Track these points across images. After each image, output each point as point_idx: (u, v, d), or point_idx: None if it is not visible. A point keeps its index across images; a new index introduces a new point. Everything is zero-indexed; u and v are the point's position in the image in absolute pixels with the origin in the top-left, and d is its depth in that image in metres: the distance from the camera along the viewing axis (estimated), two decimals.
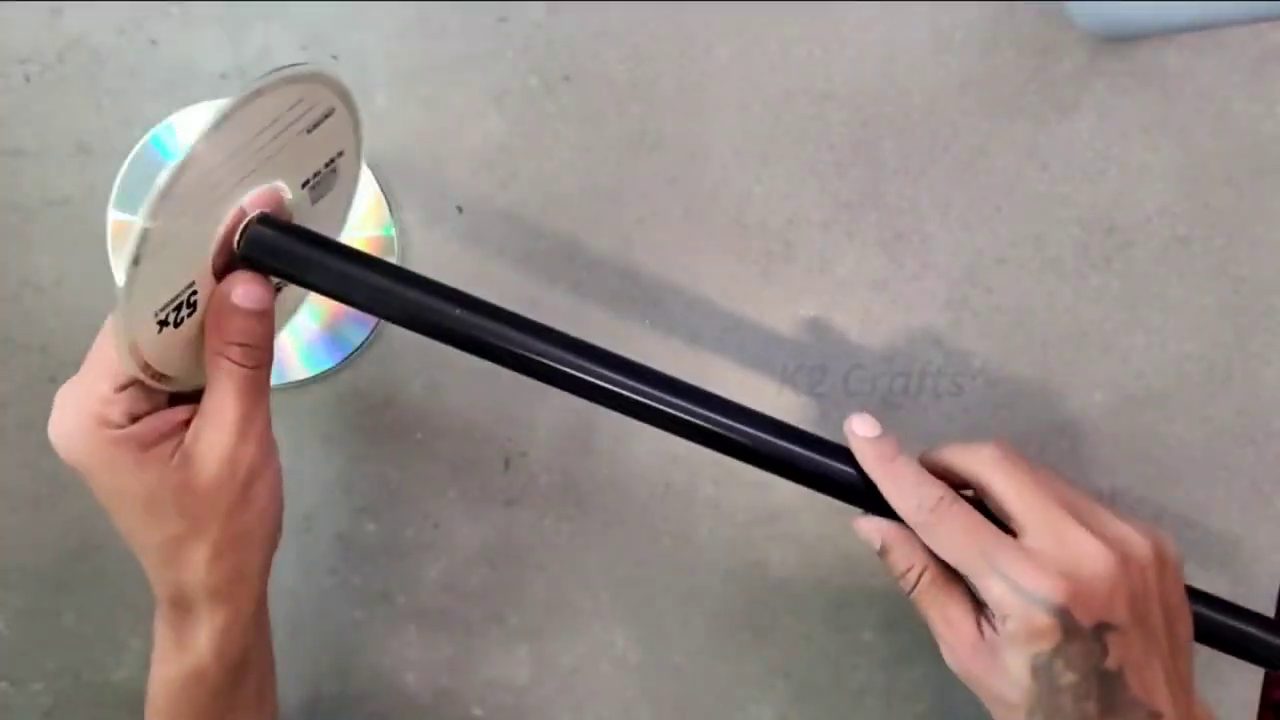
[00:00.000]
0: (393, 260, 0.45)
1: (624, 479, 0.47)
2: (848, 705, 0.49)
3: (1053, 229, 0.47)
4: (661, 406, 0.35)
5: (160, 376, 0.33)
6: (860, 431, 0.36)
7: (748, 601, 0.48)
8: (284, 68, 0.31)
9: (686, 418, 0.35)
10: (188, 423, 0.34)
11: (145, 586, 0.46)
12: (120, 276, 0.29)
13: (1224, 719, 0.50)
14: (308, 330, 0.45)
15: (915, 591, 0.36)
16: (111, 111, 0.43)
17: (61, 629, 0.47)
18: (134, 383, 0.33)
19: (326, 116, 0.35)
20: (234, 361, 0.33)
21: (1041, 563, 0.33)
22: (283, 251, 0.34)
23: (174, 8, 0.43)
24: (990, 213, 0.46)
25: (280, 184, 0.35)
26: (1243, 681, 0.50)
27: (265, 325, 0.34)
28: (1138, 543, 0.34)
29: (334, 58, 0.44)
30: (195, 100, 0.43)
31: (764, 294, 0.46)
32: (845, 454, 0.36)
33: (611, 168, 0.45)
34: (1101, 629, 0.33)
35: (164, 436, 0.33)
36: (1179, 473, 0.49)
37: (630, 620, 0.48)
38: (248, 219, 0.33)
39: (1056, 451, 0.48)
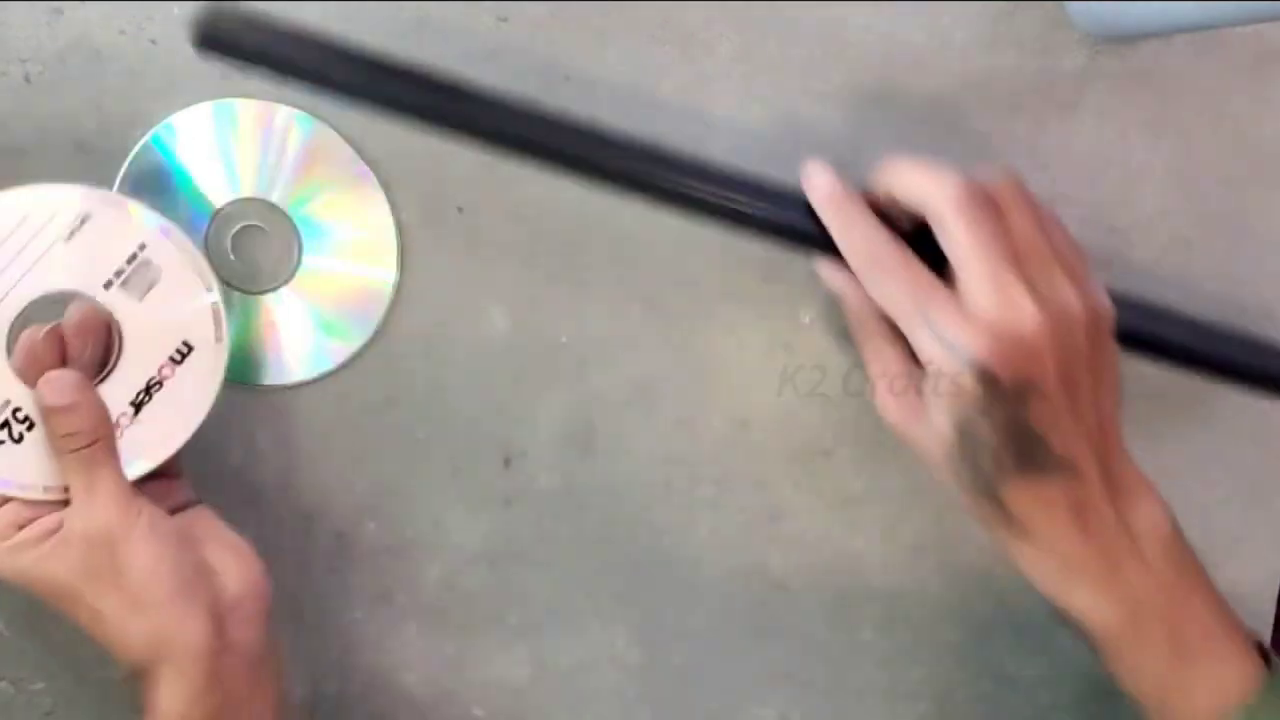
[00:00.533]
0: (392, 258, 0.45)
1: (624, 478, 0.47)
2: (849, 705, 0.49)
3: None
4: (611, 164, 0.36)
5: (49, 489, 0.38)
6: (815, 176, 0.37)
7: (748, 601, 0.48)
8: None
9: (636, 174, 0.36)
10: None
11: None
12: None
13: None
14: (307, 331, 0.45)
15: (859, 334, 0.37)
16: (111, 111, 0.43)
17: (63, 628, 0.47)
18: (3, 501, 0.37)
19: (83, 222, 0.38)
20: (61, 449, 0.37)
21: (972, 318, 0.33)
22: (250, 40, 0.36)
23: (174, 8, 0.43)
24: None
25: (79, 289, 0.38)
26: None
27: (81, 411, 0.37)
28: (1072, 304, 0.34)
29: None
30: (195, 100, 0.43)
31: (764, 294, 0.46)
32: (804, 205, 0.37)
33: None
34: (1025, 390, 0.33)
35: (45, 537, 0.36)
36: (1179, 472, 0.49)
37: (630, 620, 0.48)
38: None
39: None
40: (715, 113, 0.45)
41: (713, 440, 0.47)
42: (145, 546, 0.37)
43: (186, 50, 0.43)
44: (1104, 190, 0.46)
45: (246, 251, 0.45)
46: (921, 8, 0.45)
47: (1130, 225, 0.47)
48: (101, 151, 0.43)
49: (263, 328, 0.45)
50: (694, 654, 0.49)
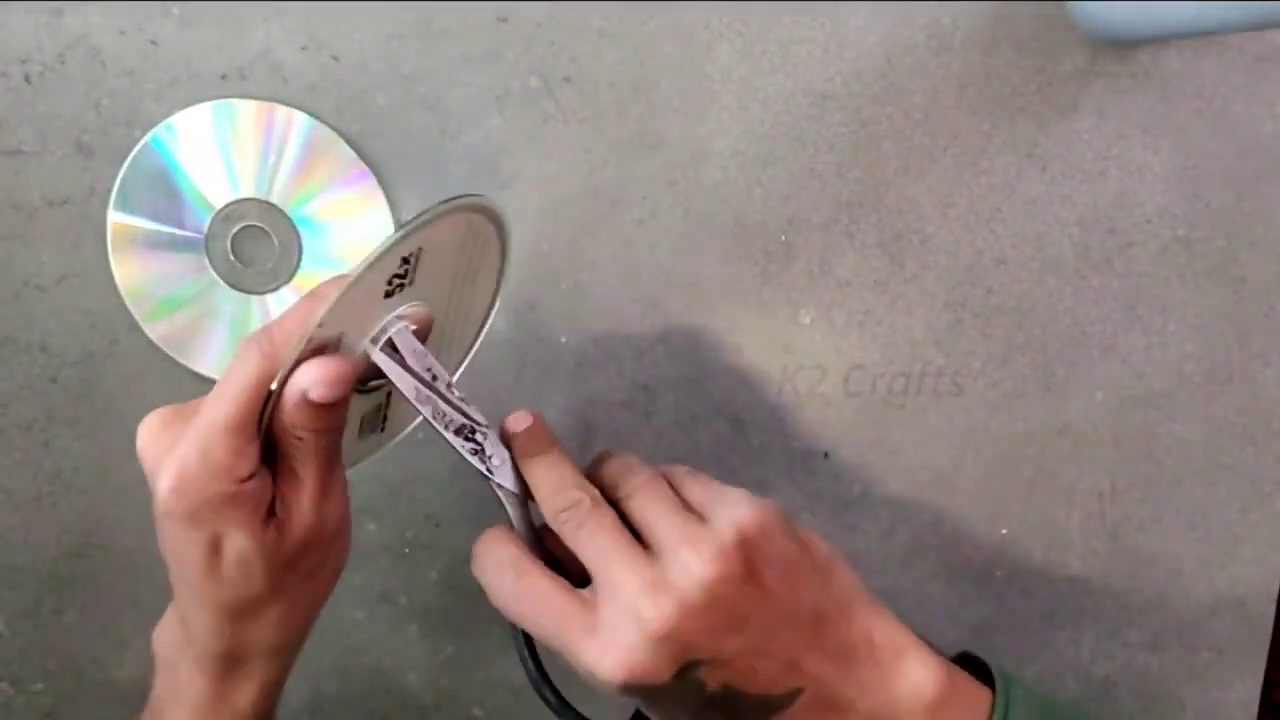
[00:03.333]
0: None
1: None
2: None
3: (1053, 229, 0.47)
4: None
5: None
6: (513, 426, 0.35)
7: None
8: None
9: None
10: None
11: (147, 584, 0.47)
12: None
13: (1224, 719, 0.50)
14: None
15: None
16: (111, 111, 0.43)
17: (63, 628, 0.47)
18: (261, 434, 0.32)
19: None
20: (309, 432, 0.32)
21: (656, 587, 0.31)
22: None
23: (174, 8, 0.43)
24: (990, 213, 0.46)
25: (420, 307, 0.35)
26: (1243, 681, 0.50)
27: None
28: (706, 559, 0.31)
29: (334, 58, 0.44)
30: (195, 100, 0.43)
31: (764, 294, 0.46)
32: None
33: (612, 169, 0.45)
34: (688, 668, 0.31)
35: (265, 500, 0.32)
36: (1179, 473, 0.49)
37: None
38: (386, 335, 0.33)
39: (1057, 452, 0.48)
40: (715, 114, 0.45)
41: (713, 440, 0.47)
42: (346, 549, 0.38)
43: (186, 50, 0.43)
44: (1104, 190, 0.47)
45: (246, 251, 0.45)
46: (921, 8, 0.45)
47: (1130, 225, 0.47)
48: (101, 151, 0.43)
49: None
50: None
